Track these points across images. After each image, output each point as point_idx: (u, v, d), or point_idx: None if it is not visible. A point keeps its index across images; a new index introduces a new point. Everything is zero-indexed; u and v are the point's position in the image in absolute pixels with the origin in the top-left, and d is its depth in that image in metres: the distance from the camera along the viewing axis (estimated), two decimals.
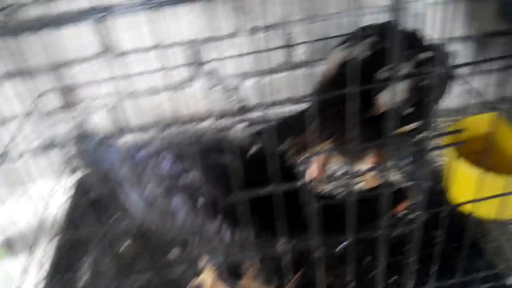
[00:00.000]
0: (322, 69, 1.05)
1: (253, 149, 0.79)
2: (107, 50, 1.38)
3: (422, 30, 1.38)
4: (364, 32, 1.00)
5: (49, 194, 1.44)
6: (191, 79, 1.46)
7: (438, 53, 0.70)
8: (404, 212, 0.98)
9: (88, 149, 0.86)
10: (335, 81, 0.94)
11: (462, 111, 1.48)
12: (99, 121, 1.50)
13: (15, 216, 1.30)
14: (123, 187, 0.82)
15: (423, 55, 0.92)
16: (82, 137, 0.88)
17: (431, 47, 0.96)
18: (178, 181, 0.76)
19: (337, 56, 0.99)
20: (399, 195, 0.85)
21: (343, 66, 0.95)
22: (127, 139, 1.53)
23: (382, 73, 0.91)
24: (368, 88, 0.54)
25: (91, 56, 1.38)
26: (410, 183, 1.12)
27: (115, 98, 1.43)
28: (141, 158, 0.82)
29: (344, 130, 0.88)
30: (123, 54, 1.39)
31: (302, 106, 1.02)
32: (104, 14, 0.46)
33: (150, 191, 0.78)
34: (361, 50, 0.95)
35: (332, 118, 0.86)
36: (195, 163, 0.76)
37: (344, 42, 1.02)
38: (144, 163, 0.81)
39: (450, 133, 0.67)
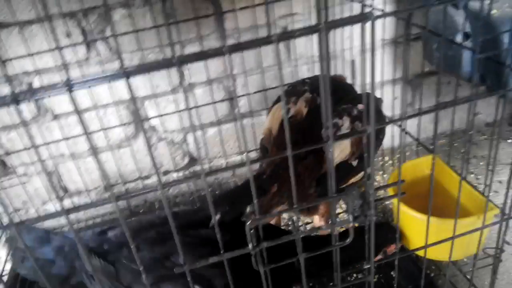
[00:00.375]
0: (263, 123, 1.06)
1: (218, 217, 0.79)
2: (44, 113, 1.35)
3: (355, 77, 1.46)
4: (301, 86, 1.04)
5: None
6: (132, 137, 1.45)
7: (370, 103, 0.74)
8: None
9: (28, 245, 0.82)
10: (280, 142, 0.94)
11: (400, 151, 1.55)
12: (39, 187, 1.45)
13: None
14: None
15: (359, 108, 0.96)
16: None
17: (363, 97, 1.01)
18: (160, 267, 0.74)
19: (277, 114, 1.00)
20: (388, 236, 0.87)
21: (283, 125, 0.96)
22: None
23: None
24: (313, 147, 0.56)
25: (29, 120, 1.34)
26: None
27: (53, 162, 1.38)
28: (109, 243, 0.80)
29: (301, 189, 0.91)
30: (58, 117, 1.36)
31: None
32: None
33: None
34: (300, 107, 0.98)
35: (286, 180, 0.87)
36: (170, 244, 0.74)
37: (286, 94, 1.03)
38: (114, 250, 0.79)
39: (391, 185, 0.69)
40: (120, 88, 1.28)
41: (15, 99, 0.46)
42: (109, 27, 1.26)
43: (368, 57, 0.54)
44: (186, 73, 1.38)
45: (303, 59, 1.44)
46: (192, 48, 1.35)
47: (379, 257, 0.91)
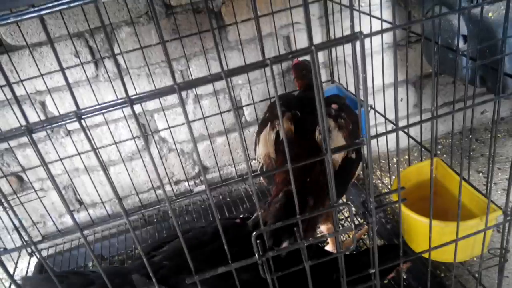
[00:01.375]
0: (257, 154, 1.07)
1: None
2: (58, 130, 1.40)
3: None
4: (283, 102, 1.07)
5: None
6: (143, 149, 1.49)
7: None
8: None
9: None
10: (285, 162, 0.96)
11: (402, 153, 1.57)
12: (55, 200, 1.49)
13: None
14: None
15: (333, 107, 1.02)
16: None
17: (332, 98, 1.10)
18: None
19: (269, 139, 1.02)
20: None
21: (278, 146, 0.99)
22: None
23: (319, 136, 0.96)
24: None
25: (43, 137, 1.39)
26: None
27: (68, 176, 1.43)
28: None
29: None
30: (71, 133, 1.40)
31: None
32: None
33: None
34: (287, 126, 1.00)
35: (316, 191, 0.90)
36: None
37: (268, 120, 1.06)
38: None
39: (392, 192, 0.72)
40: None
41: (30, 130, 0.50)
42: (116, 45, 1.30)
43: (361, 73, 0.56)
44: None
45: None
46: (197, 62, 1.39)
47: (392, 275, 0.93)
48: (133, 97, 0.50)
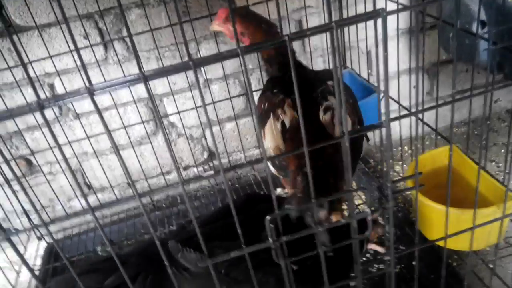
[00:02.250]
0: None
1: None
2: (67, 113, 1.39)
3: (370, 68, 1.45)
4: (275, 96, 1.01)
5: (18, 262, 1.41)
6: (153, 133, 1.48)
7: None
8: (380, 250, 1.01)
9: None
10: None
11: (417, 140, 1.54)
12: (64, 184, 1.49)
13: None
14: None
15: (330, 84, 0.99)
16: None
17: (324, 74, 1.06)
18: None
19: (275, 130, 0.98)
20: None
21: (285, 136, 0.96)
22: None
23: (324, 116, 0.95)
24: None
25: (51, 120, 1.38)
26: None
27: (77, 160, 1.42)
28: None
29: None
30: (80, 116, 1.39)
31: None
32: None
33: None
34: (290, 113, 0.97)
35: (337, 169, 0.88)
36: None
37: (270, 110, 1.01)
38: None
39: (409, 177, 0.70)
40: (139, 86, 1.31)
41: (40, 106, 0.49)
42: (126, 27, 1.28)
43: (381, 51, 0.54)
44: (202, 69, 1.40)
45: (318, 51, 1.44)
46: (207, 45, 1.37)
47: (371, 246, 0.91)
48: (147, 73, 0.49)
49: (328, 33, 0.51)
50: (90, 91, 0.48)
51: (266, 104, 1.04)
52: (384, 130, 0.59)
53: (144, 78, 0.48)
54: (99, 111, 0.48)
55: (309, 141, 0.56)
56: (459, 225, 0.80)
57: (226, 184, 0.57)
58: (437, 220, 0.92)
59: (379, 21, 0.52)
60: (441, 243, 0.93)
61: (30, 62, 1.25)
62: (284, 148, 0.95)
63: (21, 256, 0.59)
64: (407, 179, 0.67)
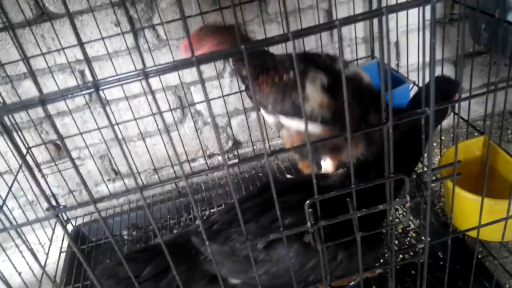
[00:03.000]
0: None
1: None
2: (96, 100, 1.41)
3: (399, 59, 1.44)
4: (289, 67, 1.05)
5: (45, 245, 1.45)
6: (179, 121, 1.49)
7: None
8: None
9: None
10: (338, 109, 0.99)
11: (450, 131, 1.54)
12: (92, 169, 1.52)
13: (12, 269, 1.29)
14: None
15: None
16: None
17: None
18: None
19: (315, 87, 1.02)
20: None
21: (328, 91, 1.00)
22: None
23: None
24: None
25: (81, 106, 1.41)
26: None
27: (106, 146, 1.44)
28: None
29: None
30: (109, 102, 1.42)
31: None
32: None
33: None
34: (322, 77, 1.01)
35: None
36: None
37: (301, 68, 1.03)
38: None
39: (448, 165, 0.70)
40: (167, 75, 1.32)
41: (96, 87, 0.50)
42: (156, 15, 1.30)
43: (427, 38, 0.54)
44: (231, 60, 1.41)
45: (345, 41, 1.44)
46: None
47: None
48: (199, 57, 0.49)
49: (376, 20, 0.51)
50: (146, 74, 0.49)
51: (285, 76, 1.04)
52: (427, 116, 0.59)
53: (198, 62, 0.49)
54: (153, 90, 0.49)
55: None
56: (491, 216, 0.81)
57: (268, 165, 0.58)
58: (469, 210, 0.92)
59: (428, 8, 0.52)
60: (472, 234, 0.93)
61: (63, 49, 1.27)
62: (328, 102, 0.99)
63: (67, 231, 0.61)
64: (446, 167, 0.67)
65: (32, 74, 0.49)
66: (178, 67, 0.49)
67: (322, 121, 1.01)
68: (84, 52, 0.49)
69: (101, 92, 1.37)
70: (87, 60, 0.49)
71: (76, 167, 0.53)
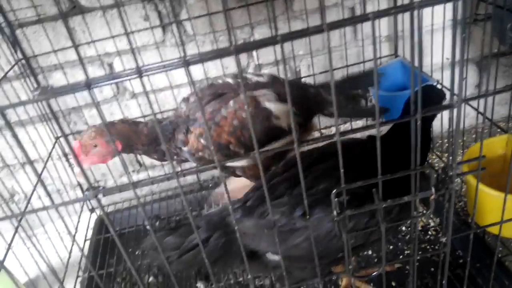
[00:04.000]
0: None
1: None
2: (123, 92, 1.45)
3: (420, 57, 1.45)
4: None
5: (71, 232, 1.48)
6: None
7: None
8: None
9: None
10: None
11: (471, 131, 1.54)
12: (116, 161, 1.55)
13: (38, 256, 1.33)
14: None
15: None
16: None
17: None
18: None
19: None
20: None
21: None
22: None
23: None
24: None
25: (109, 98, 1.45)
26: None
27: None
28: None
29: None
30: (136, 95, 1.45)
31: None
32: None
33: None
34: None
35: None
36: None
37: None
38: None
39: (472, 160, 0.71)
40: (193, 69, 1.35)
41: (140, 73, 0.53)
42: (184, 11, 1.33)
43: (458, 35, 0.56)
44: (254, 54, 1.43)
45: (369, 39, 1.45)
46: (261, 30, 1.40)
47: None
48: (238, 47, 0.51)
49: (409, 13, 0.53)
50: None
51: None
52: (455, 111, 0.61)
53: (235, 50, 0.51)
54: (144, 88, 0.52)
55: None
56: None
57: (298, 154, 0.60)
58: (491, 207, 0.93)
59: (458, 4, 0.54)
60: (493, 230, 0.94)
61: (93, 41, 1.31)
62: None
63: (106, 215, 0.64)
64: (471, 162, 0.68)
65: (81, 61, 0.52)
66: (220, 55, 0.51)
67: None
68: (130, 41, 0.52)
69: (127, 85, 1.41)
70: (132, 49, 0.52)
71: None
